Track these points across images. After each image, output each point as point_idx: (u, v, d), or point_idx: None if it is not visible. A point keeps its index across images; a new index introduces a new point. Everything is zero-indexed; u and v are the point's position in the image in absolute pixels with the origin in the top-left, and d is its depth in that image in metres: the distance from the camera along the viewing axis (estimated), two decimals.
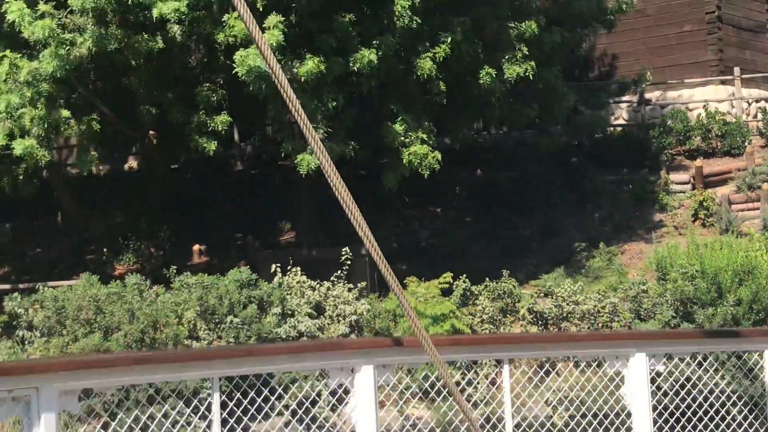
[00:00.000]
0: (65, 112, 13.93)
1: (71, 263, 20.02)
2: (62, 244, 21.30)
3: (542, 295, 14.64)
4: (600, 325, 13.72)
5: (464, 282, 14.27)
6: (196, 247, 19.88)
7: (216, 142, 15.00)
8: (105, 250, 19.15)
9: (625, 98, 22.60)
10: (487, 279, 14.48)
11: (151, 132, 18.10)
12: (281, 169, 23.13)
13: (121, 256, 19.68)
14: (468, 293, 14.24)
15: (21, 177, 17.34)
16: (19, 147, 13.67)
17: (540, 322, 13.91)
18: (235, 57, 12.93)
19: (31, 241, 21.78)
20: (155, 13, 13.46)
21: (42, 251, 21.25)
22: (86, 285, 14.13)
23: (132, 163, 26.16)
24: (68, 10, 13.43)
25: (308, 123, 5.05)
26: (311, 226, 18.72)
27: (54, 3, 13.44)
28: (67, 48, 13.30)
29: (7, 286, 16.80)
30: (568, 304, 13.82)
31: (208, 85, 14.84)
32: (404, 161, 14.44)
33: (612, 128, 21.72)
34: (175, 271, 14.53)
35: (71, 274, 19.02)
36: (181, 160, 22.93)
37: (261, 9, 13.21)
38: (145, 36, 14.05)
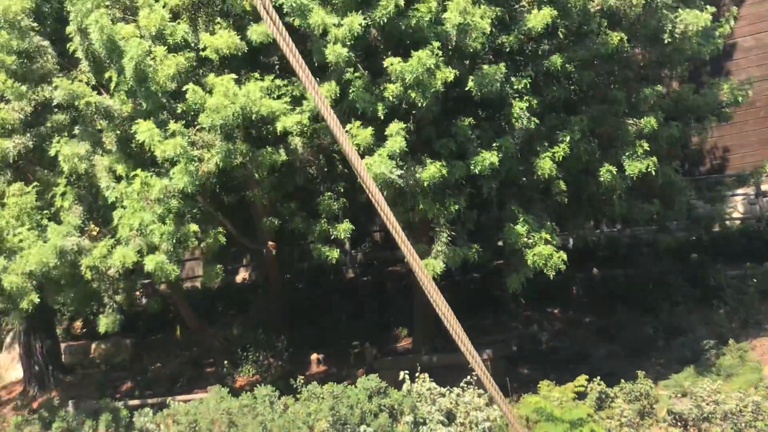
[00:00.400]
0: (193, 227, 14.19)
1: (192, 376, 20.20)
2: (182, 357, 21.54)
3: (678, 395, 14.14)
4: (743, 425, 13.16)
5: (599, 384, 13.91)
6: (314, 356, 19.91)
7: (338, 250, 15.09)
8: (225, 362, 19.28)
9: (739, 191, 22.20)
10: (622, 380, 14.10)
11: (270, 243, 18.33)
12: (392, 275, 23.22)
13: (241, 367, 19.79)
14: (603, 396, 13.85)
15: (141, 292, 17.77)
16: (150, 263, 13.91)
17: (679, 424, 13.41)
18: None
19: (151, 356, 22.08)
20: (279, 126, 13.74)
21: (162, 365, 21.49)
22: (217, 398, 14.18)
23: (243, 274, 26.57)
24: (197, 127, 13.80)
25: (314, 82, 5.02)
26: (428, 332, 18.56)
27: (183, 122, 13.82)
28: (196, 164, 13.62)
29: (136, 402, 16.95)
30: (708, 404, 13.31)
31: (329, 194, 15.00)
32: (528, 262, 14.28)
33: (729, 221, 21.28)
34: (302, 380, 14.48)
35: (193, 388, 19.22)
36: (295, 269, 23.19)
37: (382, 117, 13.38)
38: (269, 149, 14.32)
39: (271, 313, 21.17)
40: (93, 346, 23.90)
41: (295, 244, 23.18)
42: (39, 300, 14.59)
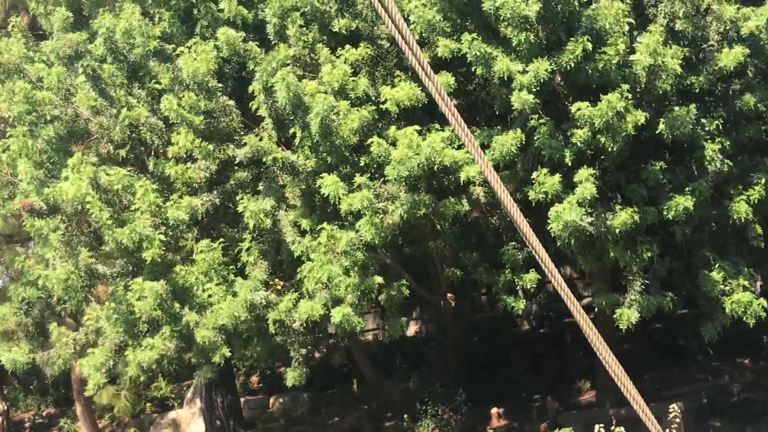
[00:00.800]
0: (378, 279, 14.15)
1: (371, 430, 20.12)
2: (360, 411, 21.52)
3: None
4: None
5: None
6: (494, 410, 19.55)
7: (524, 300, 14.79)
8: (405, 416, 19.13)
9: None
10: None
11: (449, 295, 18.18)
12: (571, 326, 22.65)
13: (420, 421, 19.59)
14: None
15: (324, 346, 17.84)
16: (337, 315, 13.93)
17: None
18: (550, 213, 12.77)
19: (329, 410, 22.15)
20: (462, 176, 13.63)
21: (340, 419, 21.52)
22: None
23: (414, 327, 26.48)
24: (382, 180, 13.83)
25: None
26: (613, 384, 17.89)
27: (368, 175, 13.88)
28: (381, 216, 13.62)
29: None
30: None
31: (513, 243, 14.75)
32: (726, 310, 13.64)
33: None
34: None
35: None
36: (468, 322, 22.97)
37: (569, 164, 13.09)
38: (452, 200, 14.21)
39: (447, 367, 20.94)
40: (271, 400, 24.18)
41: (467, 297, 22.98)
42: (230, 354, 14.79)
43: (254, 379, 26.19)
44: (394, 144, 13.87)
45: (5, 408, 28.46)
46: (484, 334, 23.11)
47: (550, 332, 23.17)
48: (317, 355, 22.33)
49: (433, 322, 24.54)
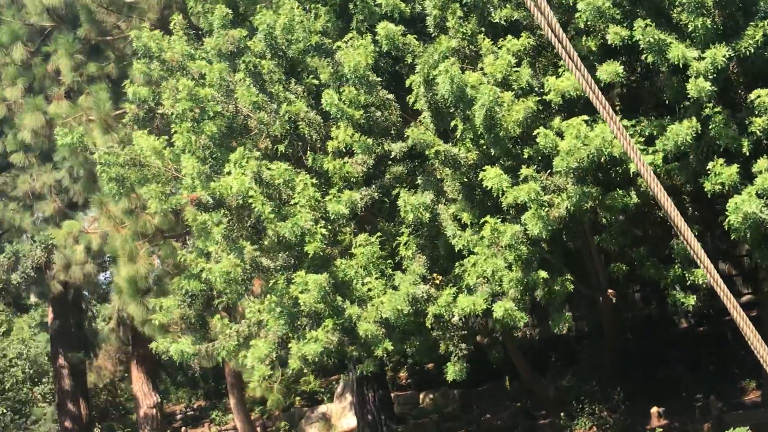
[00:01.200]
0: (542, 273, 13.88)
1: (526, 428, 19.83)
2: (512, 408, 21.24)
3: None
4: None
5: None
6: (654, 409, 18.98)
7: (695, 296, 14.27)
8: (562, 414, 18.77)
9: None
10: None
11: (609, 291, 17.72)
12: (733, 324, 21.87)
13: (577, 420, 19.19)
14: None
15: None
16: (499, 309, 13.73)
17: None
18: (728, 205, 12.28)
19: (481, 406, 21.95)
20: (632, 167, 13.23)
21: (492, 416, 21.29)
22: None
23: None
24: (548, 171, 13.56)
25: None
26: None
27: (535, 167, 13.62)
28: (546, 209, 13.34)
29: None
30: None
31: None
32: None
33: None
34: None
35: None
36: (621, 319, 22.38)
37: (747, 153, 12.56)
38: (619, 192, 13.82)
39: (603, 365, 20.46)
40: (421, 396, 24.14)
41: (622, 293, 22.41)
42: (392, 348, 14.74)
43: (402, 375, 26.21)
44: (559, 135, 13.57)
45: (159, 400, 29.32)
46: (640, 332, 22.50)
47: (710, 330, 22.38)
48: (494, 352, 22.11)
49: (586, 320, 24.06)
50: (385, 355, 15.02)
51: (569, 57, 9.04)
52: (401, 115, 16.05)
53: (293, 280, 14.85)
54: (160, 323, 18.96)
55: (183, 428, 30.15)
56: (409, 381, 25.51)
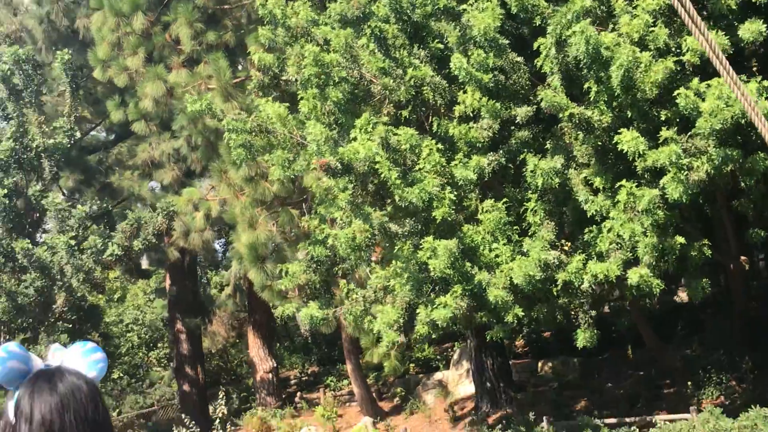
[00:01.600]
0: (680, 239, 13.51)
1: (649, 397, 19.46)
2: (634, 377, 20.88)
3: None
4: None
5: None
6: None
7: None
8: (689, 383, 18.37)
9: None
10: None
11: (742, 257, 17.22)
12: None
13: (704, 389, 18.76)
14: None
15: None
16: (634, 276, 13.44)
17: None
18: None
19: (602, 375, 21.63)
20: None
21: (613, 385, 20.97)
22: (708, 418, 13.38)
23: (682, 293, 25.42)
24: (689, 134, 13.16)
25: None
26: None
27: (675, 129, 13.23)
28: (685, 173, 12.95)
29: (612, 420, 16.51)
30: None
31: None
32: None
33: None
34: None
35: (652, 409, 18.47)
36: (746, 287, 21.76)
37: None
38: (761, 155, 13.33)
39: (731, 333, 19.93)
40: (539, 364, 23.92)
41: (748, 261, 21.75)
42: (522, 314, 14.59)
43: (519, 342, 26.01)
44: (698, 96, 13.14)
45: (275, 365, 29.74)
46: (766, 300, 21.83)
47: None
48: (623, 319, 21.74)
49: (711, 287, 23.46)
50: (515, 322, 14.87)
51: (689, 16, 8.72)
52: (530, 79, 15.76)
53: (420, 246, 14.77)
54: (278, 290, 19.13)
55: (298, 393, 30.55)
56: (526, 349, 25.29)
